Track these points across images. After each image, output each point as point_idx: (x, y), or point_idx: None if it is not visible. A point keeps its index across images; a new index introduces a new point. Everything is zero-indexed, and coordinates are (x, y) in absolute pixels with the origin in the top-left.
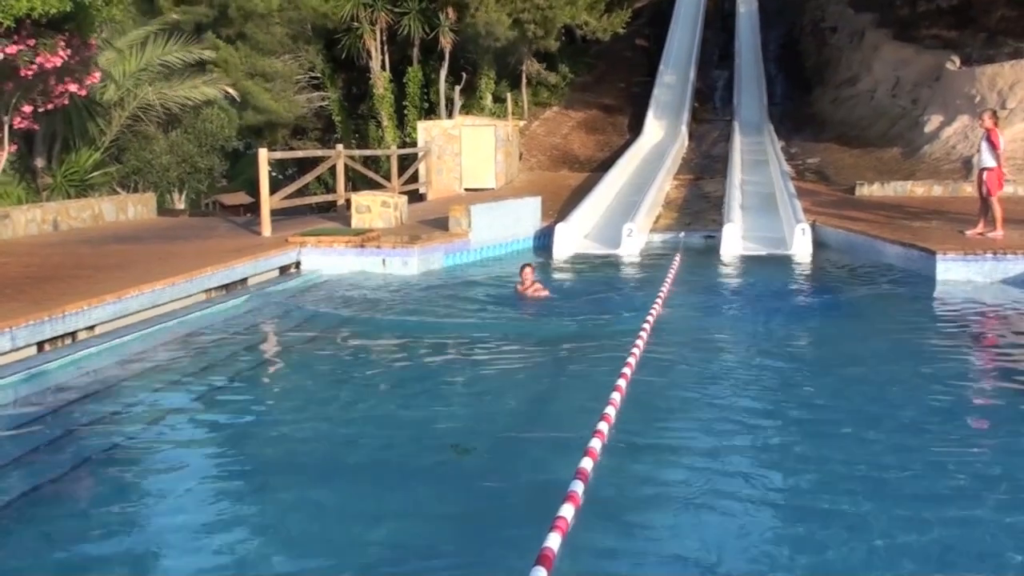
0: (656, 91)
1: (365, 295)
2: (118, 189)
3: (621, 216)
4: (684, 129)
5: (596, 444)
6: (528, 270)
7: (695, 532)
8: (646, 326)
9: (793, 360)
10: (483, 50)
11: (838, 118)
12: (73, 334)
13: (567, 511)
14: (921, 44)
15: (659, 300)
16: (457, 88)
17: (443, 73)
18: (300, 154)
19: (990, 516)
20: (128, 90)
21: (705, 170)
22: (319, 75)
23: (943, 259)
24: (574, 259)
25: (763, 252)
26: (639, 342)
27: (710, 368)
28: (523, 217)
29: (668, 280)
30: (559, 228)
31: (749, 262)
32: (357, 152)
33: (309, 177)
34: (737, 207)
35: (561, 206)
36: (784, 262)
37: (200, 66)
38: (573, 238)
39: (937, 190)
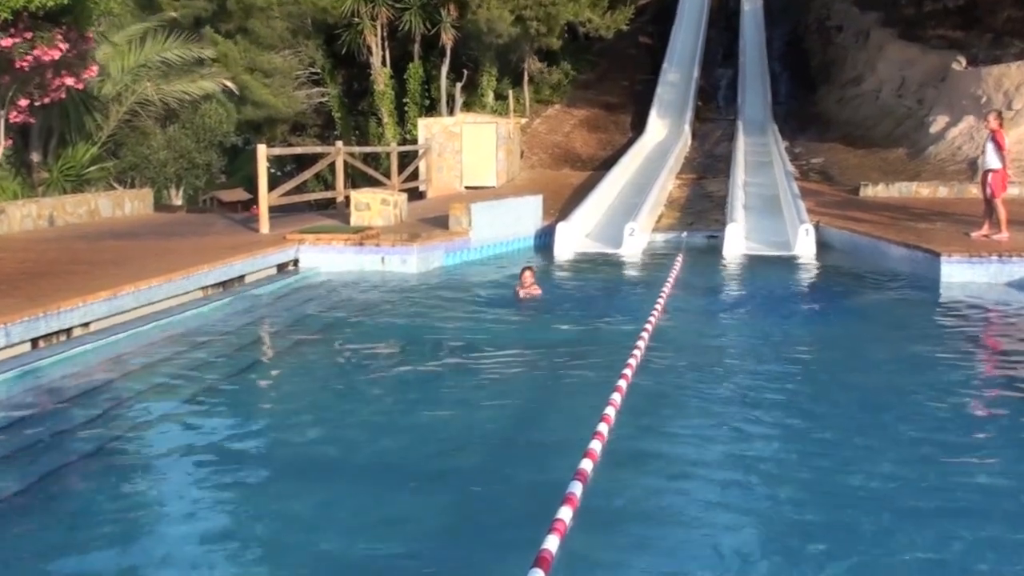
0: (659, 89)
1: (363, 294)
2: (115, 184)
3: (623, 215)
4: (687, 128)
5: (596, 446)
6: (528, 273)
7: (694, 541)
8: (648, 327)
9: (795, 364)
10: (485, 47)
11: (843, 118)
12: (68, 331)
13: (565, 513)
14: (927, 44)
15: (661, 301)
16: (458, 85)
17: (444, 70)
18: (299, 150)
19: (1000, 532)
20: (126, 85)
21: (708, 169)
22: (319, 71)
23: (948, 261)
24: (575, 258)
25: (766, 252)
26: (640, 343)
27: (712, 371)
28: (524, 216)
29: (670, 280)
30: (560, 227)
31: (752, 263)
32: (357, 149)
33: (308, 174)
34: (740, 207)
35: (562, 205)
36: (787, 263)
37: (200, 63)
38: (574, 237)
39: (942, 191)
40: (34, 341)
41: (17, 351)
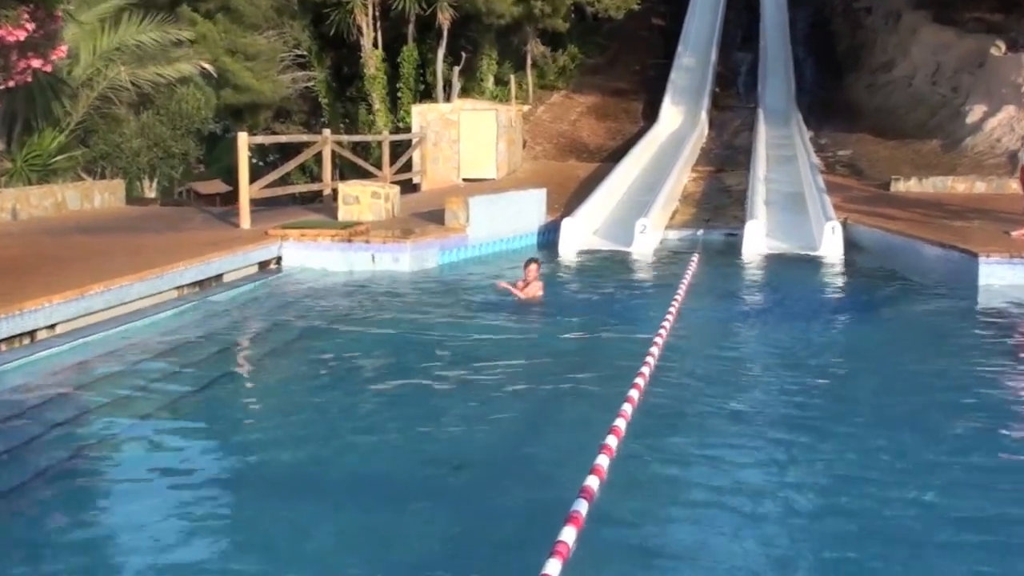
0: (673, 75)
1: (351, 295)
2: (84, 175)
3: (634, 211)
4: (704, 117)
5: (603, 461)
6: (534, 266)
7: (711, 564)
8: (661, 332)
9: (820, 375)
10: (484, 28)
11: (873, 106)
12: (32, 333)
13: (568, 534)
14: (963, 27)
15: (675, 304)
16: (456, 69)
17: (441, 52)
18: (283, 139)
19: None
20: (98, 69)
21: (726, 162)
22: (305, 53)
23: (986, 262)
24: (582, 258)
25: (789, 252)
26: (653, 349)
27: (730, 381)
28: (526, 211)
29: (684, 282)
30: (566, 223)
31: (773, 263)
32: (345, 138)
33: (293, 164)
34: (761, 202)
35: (568, 199)
36: (812, 263)
37: (178, 44)
38: (581, 234)
39: (980, 186)
40: None
41: None
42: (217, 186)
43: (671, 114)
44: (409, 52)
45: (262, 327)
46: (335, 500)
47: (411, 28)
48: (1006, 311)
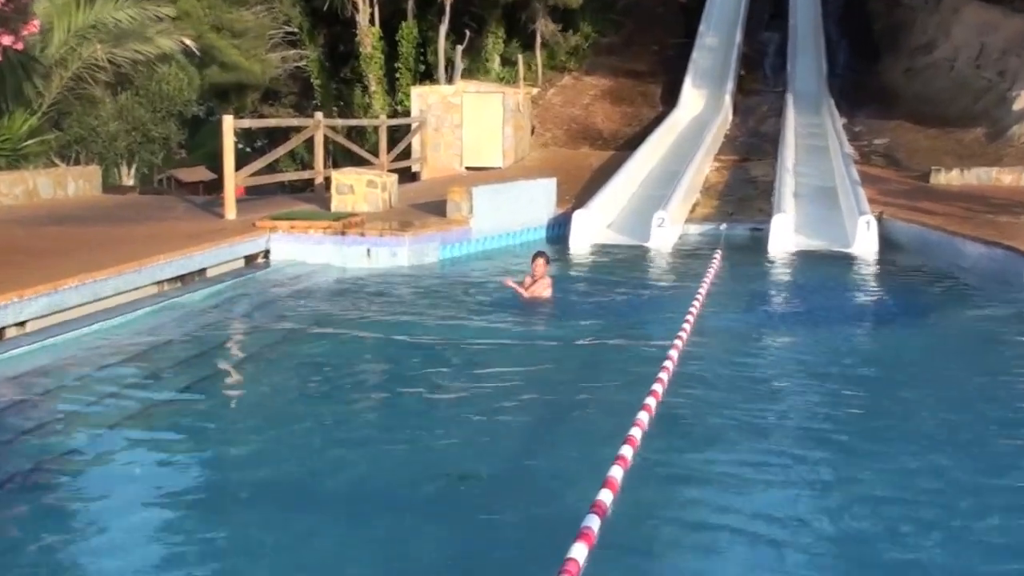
0: (695, 55)
1: (345, 292)
2: (57, 161)
3: (651, 203)
4: (728, 101)
5: (617, 473)
6: (541, 260)
7: None
8: (681, 335)
9: (852, 386)
10: (490, 4)
11: (911, 92)
12: (0, 331)
13: (579, 551)
14: (1010, 6)
15: (695, 306)
16: (459, 48)
17: (443, 30)
18: (272, 123)
19: None
20: (72, 47)
21: (752, 150)
22: (296, 30)
23: None
24: (594, 253)
25: (820, 249)
26: (673, 353)
27: (753, 391)
28: (534, 202)
29: (706, 282)
30: (577, 216)
31: (803, 260)
32: (339, 122)
33: (282, 150)
34: (789, 195)
35: (580, 190)
36: (844, 261)
37: (159, 21)
38: (593, 228)
39: None
40: None
41: None
42: (200, 173)
43: (692, 98)
44: (408, 29)
45: (247, 327)
46: (329, 514)
47: (411, 3)
48: None
